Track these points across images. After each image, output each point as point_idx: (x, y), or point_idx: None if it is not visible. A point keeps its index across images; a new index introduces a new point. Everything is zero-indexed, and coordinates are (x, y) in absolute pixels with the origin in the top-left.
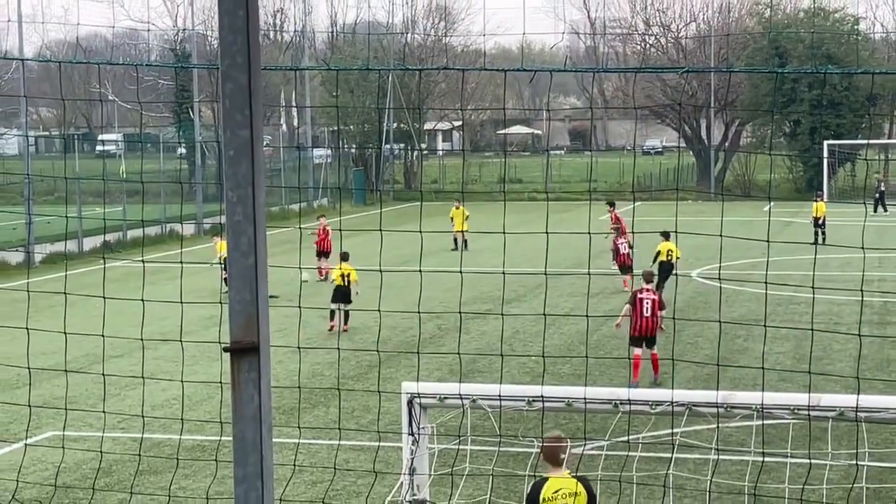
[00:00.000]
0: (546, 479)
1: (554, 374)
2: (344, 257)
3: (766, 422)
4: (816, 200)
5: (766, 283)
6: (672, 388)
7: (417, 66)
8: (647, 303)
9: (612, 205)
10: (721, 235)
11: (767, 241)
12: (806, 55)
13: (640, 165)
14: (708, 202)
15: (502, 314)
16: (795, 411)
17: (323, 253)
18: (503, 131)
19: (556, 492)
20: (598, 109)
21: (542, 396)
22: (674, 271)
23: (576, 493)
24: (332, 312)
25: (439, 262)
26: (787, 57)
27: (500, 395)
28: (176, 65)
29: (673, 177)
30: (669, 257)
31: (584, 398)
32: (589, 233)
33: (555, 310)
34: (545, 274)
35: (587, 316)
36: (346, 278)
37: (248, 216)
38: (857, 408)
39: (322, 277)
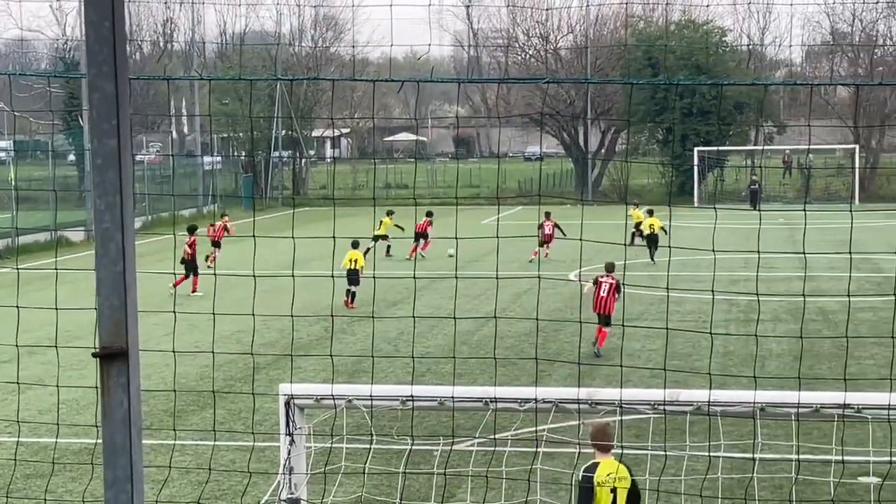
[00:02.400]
0: (597, 463)
1: (437, 374)
2: (354, 245)
3: (626, 417)
4: (635, 207)
5: (661, 284)
6: (535, 386)
7: (305, 74)
8: (606, 285)
9: (548, 216)
10: (581, 240)
11: (625, 244)
12: (677, 66)
13: (522, 171)
14: (587, 206)
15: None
16: (656, 406)
17: (216, 243)
18: (391, 138)
19: (608, 475)
20: (481, 118)
21: (412, 396)
22: (659, 242)
23: (624, 476)
24: (348, 292)
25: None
26: (659, 67)
27: (371, 396)
28: (48, 73)
29: (553, 182)
30: (652, 230)
31: (453, 397)
32: (493, 236)
33: (438, 311)
34: (457, 278)
35: (499, 316)
36: (354, 263)
37: (117, 223)
38: (709, 402)
39: (210, 264)
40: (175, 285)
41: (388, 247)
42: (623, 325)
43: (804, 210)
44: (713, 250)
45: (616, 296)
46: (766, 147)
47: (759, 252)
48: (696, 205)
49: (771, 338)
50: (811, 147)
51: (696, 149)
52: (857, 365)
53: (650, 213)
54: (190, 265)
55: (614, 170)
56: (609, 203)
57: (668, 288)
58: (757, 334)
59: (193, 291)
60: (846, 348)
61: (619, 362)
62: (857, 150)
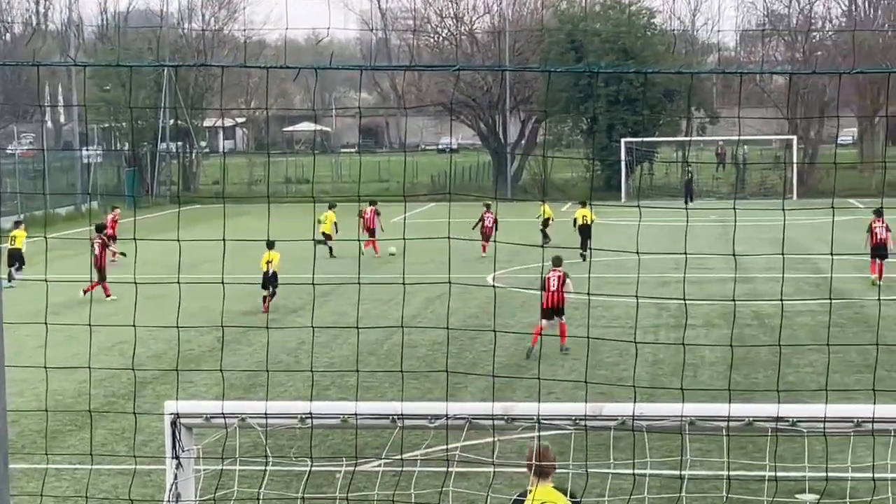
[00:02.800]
0: (528, 490)
1: (342, 388)
2: (270, 245)
3: (545, 433)
4: (544, 202)
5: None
6: (447, 401)
7: (195, 60)
8: (554, 279)
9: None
10: (496, 241)
11: (543, 245)
12: (602, 50)
13: (435, 164)
14: (505, 202)
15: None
16: (578, 422)
17: (111, 237)
18: (290, 128)
19: None
20: (391, 107)
21: (311, 413)
22: (590, 233)
23: None
24: (264, 297)
25: (230, 267)
26: (584, 51)
27: (266, 413)
28: None
29: (469, 175)
30: (585, 221)
31: (356, 414)
32: (408, 238)
33: (343, 318)
34: (359, 283)
35: (407, 326)
36: (269, 265)
37: None
38: (634, 416)
39: (114, 258)
40: (86, 291)
41: (331, 248)
42: (541, 334)
43: (734, 207)
44: (637, 252)
45: (567, 283)
46: (697, 138)
47: (686, 254)
48: (623, 201)
49: (704, 346)
50: (746, 138)
51: (623, 140)
52: (794, 373)
53: (583, 204)
54: (101, 268)
55: (535, 163)
56: (527, 200)
57: (589, 294)
58: (685, 343)
59: (107, 296)
60: (781, 355)
61: (538, 374)
62: (795, 142)
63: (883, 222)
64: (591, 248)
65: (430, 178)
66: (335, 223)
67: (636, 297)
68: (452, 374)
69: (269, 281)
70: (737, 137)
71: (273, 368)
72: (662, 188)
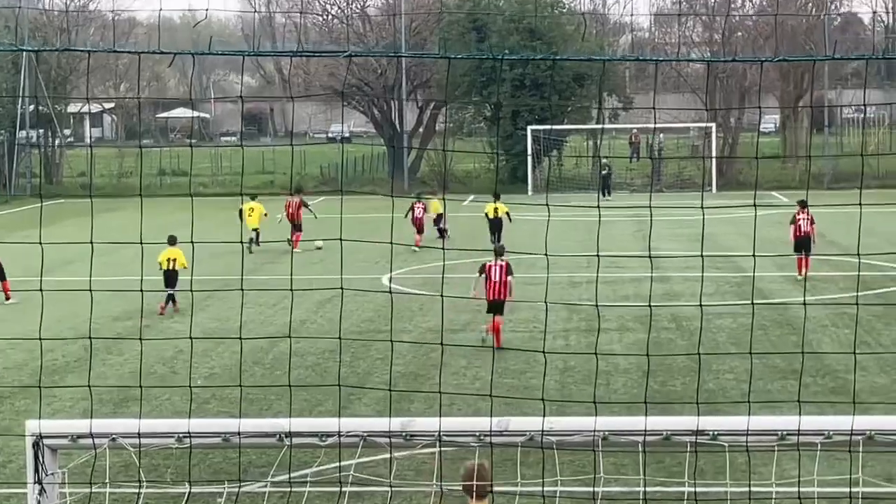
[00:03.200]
0: None
1: (223, 401)
2: (171, 241)
3: (447, 450)
4: (430, 197)
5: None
6: (339, 417)
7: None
8: (496, 269)
9: (418, 199)
10: (391, 242)
11: (444, 249)
12: (506, 30)
13: (325, 154)
14: (403, 197)
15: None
16: (482, 437)
17: None
18: (165, 114)
19: None
20: (278, 90)
21: (189, 432)
22: (503, 225)
23: None
24: (168, 297)
25: (100, 269)
26: (486, 31)
27: (139, 433)
28: None
29: (363, 167)
30: (497, 214)
31: (240, 432)
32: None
33: (226, 324)
34: (242, 290)
35: (295, 336)
36: (173, 263)
37: None
38: (543, 430)
39: None
40: None
41: (251, 239)
42: (441, 344)
43: (650, 205)
44: (546, 255)
45: (508, 279)
46: (610, 126)
47: (598, 255)
48: (530, 194)
49: (618, 355)
50: (662, 126)
51: (529, 128)
52: (715, 380)
53: (497, 196)
54: None
55: (434, 153)
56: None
57: (493, 301)
58: (598, 352)
59: (7, 299)
60: (700, 361)
61: (439, 384)
62: (714, 130)
63: (808, 214)
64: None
65: (320, 169)
66: (265, 214)
67: (545, 302)
68: (345, 385)
69: (170, 280)
70: (652, 125)
71: (147, 382)
72: (573, 180)
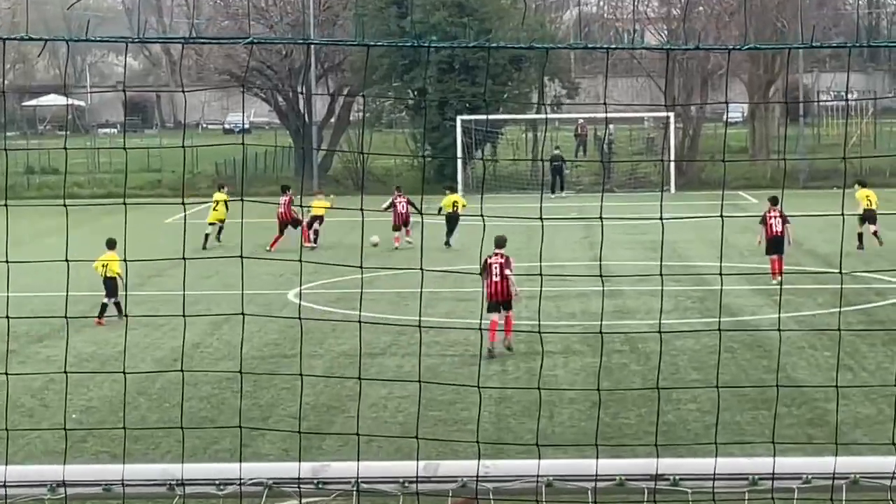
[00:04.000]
0: None
1: (103, 438)
2: (110, 245)
3: (366, 499)
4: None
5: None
6: (241, 461)
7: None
8: (496, 267)
9: (399, 188)
10: (301, 261)
11: (361, 261)
12: (431, 4)
13: (221, 149)
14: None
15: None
16: (406, 484)
17: None
18: (31, 102)
19: None
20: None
21: (64, 480)
22: (460, 220)
23: None
24: (103, 306)
25: None
26: (408, 6)
27: (4, 481)
28: None
29: (265, 163)
30: (455, 208)
31: (123, 480)
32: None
33: (104, 349)
34: (123, 314)
35: (186, 370)
36: (107, 269)
37: None
38: (478, 476)
39: None
40: None
41: (206, 235)
42: (360, 379)
43: (601, 212)
44: (481, 271)
45: (507, 272)
46: (553, 115)
47: (541, 265)
48: (460, 193)
49: (563, 390)
50: (613, 115)
51: (459, 117)
52: (675, 412)
53: (452, 189)
54: None
55: (349, 147)
56: (342, 193)
57: (420, 323)
58: (540, 380)
59: None
60: (658, 390)
61: (357, 420)
62: (672, 120)
63: (779, 212)
64: (449, 242)
65: (215, 166)
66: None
67: (479, 327)
68: (247, 421)
69: (109, 289)
70: (601, 115)
71: (12, 418)
72: (510, 178)
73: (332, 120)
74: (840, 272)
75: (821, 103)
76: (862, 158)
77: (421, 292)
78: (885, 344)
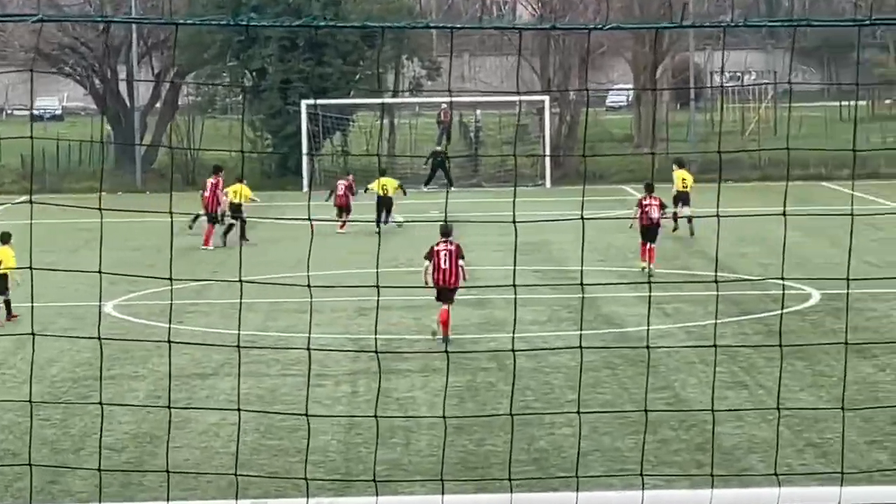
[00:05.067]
0: None
1: None
2: (4, 239)
3: None
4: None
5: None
6: None
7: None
8: (444, 254)
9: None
10: (134, 278)
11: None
12: None
13: (25, 142)
14: (137, 194)
15: None
16: None
17: None
18: None
19: None
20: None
21: None
22: (392, 204)
23: None
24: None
25: None
26: None
27: None
28: None
29: (80, 155)
30: (385, 191)
31: None
32: None
33: None
34: None
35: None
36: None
37: None
38: None
39: None
40: None
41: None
42: (170, 414)
43: (514, 211)
44: (426, 257)
45: (460, 262)
46: (412, 100)
47: (377, 275)
48: (305, 189)
49: (417, 418)
50: (480, 99)
51: (303, 102)
52: (548, 437)
53: (382, 172)
54: None
55: (176, 136)
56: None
57: (238, 343)
58: (397, 402)
59: None
60: (532, 413)
61: (185, 450)
62: (548, 104)
63: (655, 199)
64: (389, 221)
65: (20, 159)
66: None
67: (312, 349)
68: (56, 453)
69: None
70: (467, 99)
71: None
72: (363, 171)
73: (158, 105)
74: (765, 279)
75: (713, 83)
76: (757, 150)
77: (241, 303)
78: (783, 357)
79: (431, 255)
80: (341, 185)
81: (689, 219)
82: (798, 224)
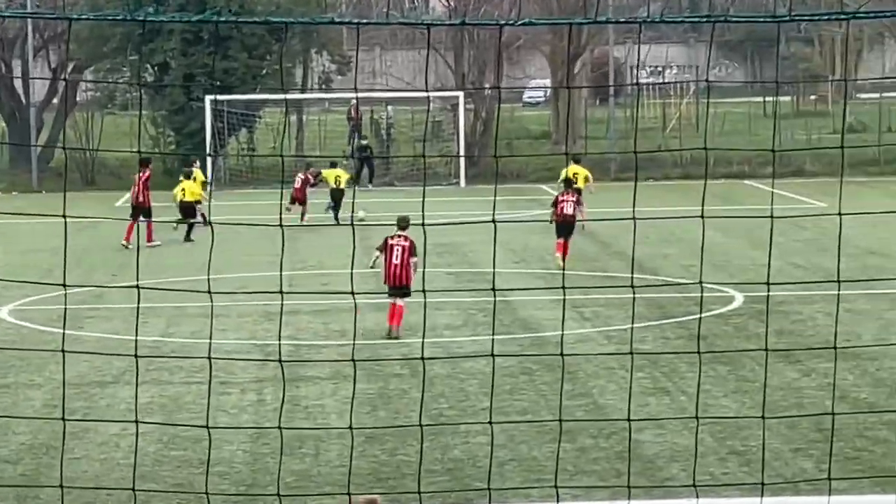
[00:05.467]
0: None
1: None
2: None
3: None
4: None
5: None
6: None
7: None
8: (398, 249)
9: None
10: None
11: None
12: None
13: None
14: (33, 194)
15: None
16: None
17: None
18: None
19: None
20: None
21: None
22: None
23: None
24: None
25: None
26: None
27: None
28: None
29: None
30: (338, 183)
31: None
32: None
33: None
34: None
35: None
36: None
37: None
38: None
39: None
40: None
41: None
42: (65, 425)
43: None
44: (380, 248)
45: (412, 260)
46: (321, 95)
47: (282, 283)
48: (212, 187)
49: (329, 429)
50: (394, 95)
51: (207, 97)
52: (462, 446)
53: (333, 164)
54: None
55: (75, 133)
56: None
57: (136, 352)
58: (304, 410)
59: None
60: (446, 423)
61: (85, 461)
62: (462, 100)
63: (573, 196)
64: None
65: None
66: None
67: (213, 358)
68: None
69: None
70: (379, 95)
71: None
72: (270, 170)
73: (55, 101)
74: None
75: (633, 78)
76: (676, 149)
77: (138, 307)
78: (706, 362)
79: (385, 247)
80: (299, 178)
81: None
82: (720, 224)
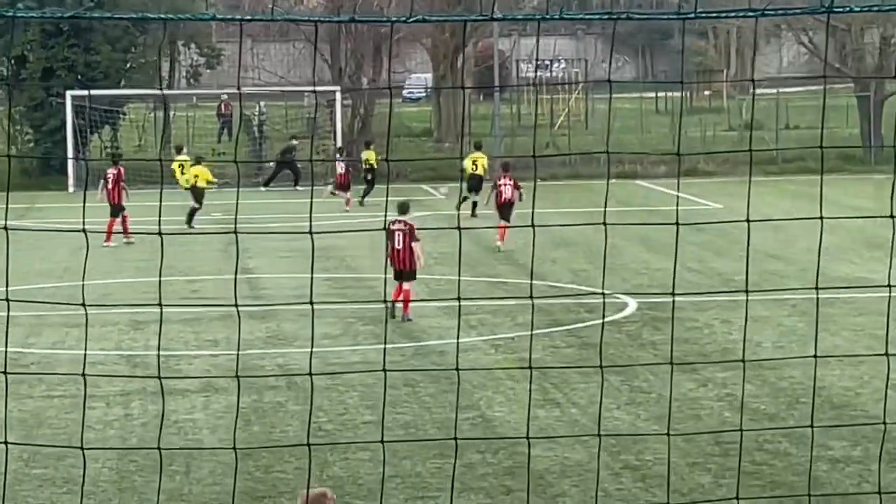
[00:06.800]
0: None
1: None
2: None
3: None
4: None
5: None
6: None
7: None
8: (399, 235)
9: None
10: None
11: None
12: None
13: None
14: None
15: None
16: None
17: None
18: None
19: None
20: None
21: None
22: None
23: None
24: None
25: None
26: None
27: None
28: None
29: None
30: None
31: None
32: None
33: None
34: None
35: None
36: None
37: None
38: None
39: None
40: None
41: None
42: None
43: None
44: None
45: (415, 245)
46: (188, 91)
47: (160, 298)
48: (71, 190)
49: (198, 453)
50: (267, 90)
51: (69, 93)
52: (342, 462)
53: (198, 160)
54: None
55: None
56: None
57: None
58: (169, 421)
59: None
60: (327, 443)
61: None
62: (339, 96)
63: (510, 179)
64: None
65: None
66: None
67: (85, 374)
68: None
69: None
70: (249, 90)
71: None
72: (140, 172)
73: None
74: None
75: (519, 73)
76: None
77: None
78: (597, 372)
79: (389, 234)
80: (342, 165)
81: (475, 203)
82: (610, 227)
